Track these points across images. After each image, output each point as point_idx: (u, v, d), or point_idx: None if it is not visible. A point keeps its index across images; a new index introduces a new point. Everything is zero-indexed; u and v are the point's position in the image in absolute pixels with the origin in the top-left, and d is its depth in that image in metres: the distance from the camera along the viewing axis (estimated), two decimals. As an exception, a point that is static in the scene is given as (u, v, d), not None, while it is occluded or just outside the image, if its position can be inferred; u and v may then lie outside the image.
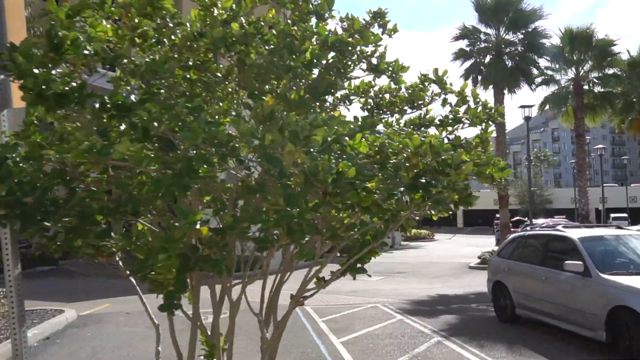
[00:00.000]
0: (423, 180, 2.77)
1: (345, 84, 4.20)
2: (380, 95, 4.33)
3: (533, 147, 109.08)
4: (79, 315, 12.17)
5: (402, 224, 3.33)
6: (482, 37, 26.48)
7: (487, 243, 41.47)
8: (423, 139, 2.98)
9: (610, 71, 26.23)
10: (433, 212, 3.41)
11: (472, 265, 23.50)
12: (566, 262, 8.79)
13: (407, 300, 14.55)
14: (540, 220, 36.58)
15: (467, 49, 26.71)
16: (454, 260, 27.62)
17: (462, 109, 3.90)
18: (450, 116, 3.89)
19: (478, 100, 3.93)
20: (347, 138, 2.72)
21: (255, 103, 2.59)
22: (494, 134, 26.73)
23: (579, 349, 8.72)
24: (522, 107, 25.85)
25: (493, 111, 3.86)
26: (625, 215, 49.26)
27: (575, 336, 8.89)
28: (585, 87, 26.65)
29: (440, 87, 3.93)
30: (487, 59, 26.58)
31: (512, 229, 39.17)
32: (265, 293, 4.24)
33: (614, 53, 25.93)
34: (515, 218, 45.84)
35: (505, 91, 26.27)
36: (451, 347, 9.05)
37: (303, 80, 3.35)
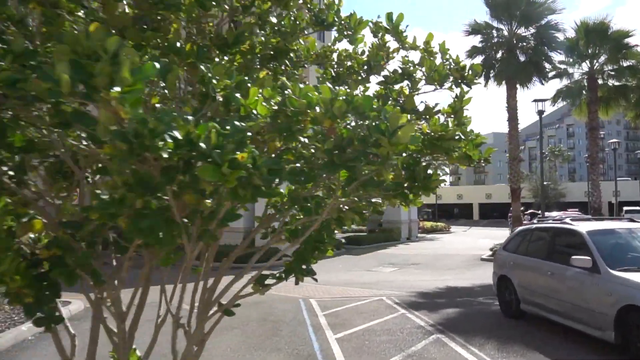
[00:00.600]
0: (345, 154, 1.83)
1: (300, 48, 3.26)
2: (339, 62, 3.37)
3: (548, 143, 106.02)
4: (85, 307, 11.54)
5: (334, 218, 2.37)
6: (494, 32, 25.04)
7: (501, 235, 39.89)
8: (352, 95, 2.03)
9: (626, 64, 24.50)
10: (378, 202, 2.45)
11: (484, 257, 22.27)
12: (573, 257, 7.69)
13: (414, 292, 13.51)
14: (554, 213, 34.89)
15: (480, 45, 25.34)
16: (468, 252, 26.38)
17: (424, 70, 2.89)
18: (399, 71, 2.88)
19: (448, 56, 2.89)
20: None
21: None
22: (507, 129, 25.37)
23: (586, 349, 7.61)
24: (535, 101, 24.30)
25: (467, 70, 2.85)
26: (638, 208, 46.98)
27: (582, 335, 7.78)
28: (600, 80, 25.02)
29: (397, 40, 2.94)
30: (499, 54, 25.18)
31: (526, 222, 37.73)
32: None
33: (630, 46, 24.10)
34: (530, 211, 44.21)
35: (518, 86, 24.84)
36: (450, 345, 8.03)
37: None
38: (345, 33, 3.03)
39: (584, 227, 8.42)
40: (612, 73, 25.22)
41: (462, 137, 2.69)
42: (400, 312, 10.83)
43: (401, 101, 2.67)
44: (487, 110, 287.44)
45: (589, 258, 7.48)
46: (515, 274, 9.82)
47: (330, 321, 9.94)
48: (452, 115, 2.83)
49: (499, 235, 40.35)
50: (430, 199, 64.02)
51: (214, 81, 1.83)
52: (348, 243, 30.18)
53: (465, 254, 25.11)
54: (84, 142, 1.89)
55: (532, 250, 9.66)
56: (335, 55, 3.44)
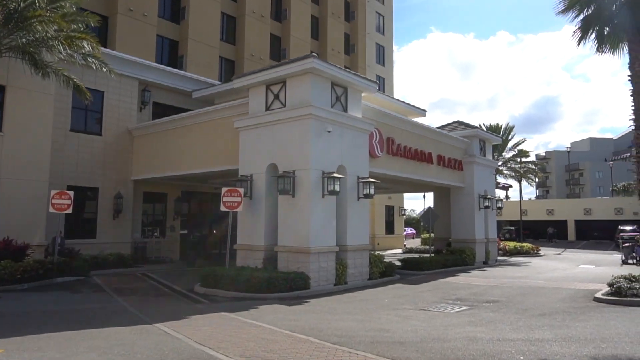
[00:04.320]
0: None
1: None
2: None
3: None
4: None
5: None
6: (608, -30, 17.81)
7: (610, 261, 31.39)
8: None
9: None
10: None
11: (600, 295, 14.85)
12: None
13: (480, 374, 6.99)
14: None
15: (585, -8, 18.13)
16: (568, 284, 18.96)
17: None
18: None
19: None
20: None
21: None
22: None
23: None
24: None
25: None
26: None
27: None
28: None
29: None
30: (615, 4, 17.84)
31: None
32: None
33: None
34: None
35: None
36: None
37: None
38: None
39: None
40: None
41: None
42: None
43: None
44: (584, 106, 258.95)
45: None
46: None
47: None
48: None
49: (606, 260, 31.85)
50: (515, 214, 55.34)
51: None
52: (405, 267, 23.52)
53: (566, 288, 17.77)
54: None
55: None
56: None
